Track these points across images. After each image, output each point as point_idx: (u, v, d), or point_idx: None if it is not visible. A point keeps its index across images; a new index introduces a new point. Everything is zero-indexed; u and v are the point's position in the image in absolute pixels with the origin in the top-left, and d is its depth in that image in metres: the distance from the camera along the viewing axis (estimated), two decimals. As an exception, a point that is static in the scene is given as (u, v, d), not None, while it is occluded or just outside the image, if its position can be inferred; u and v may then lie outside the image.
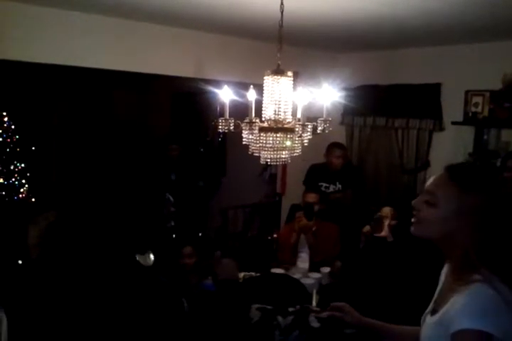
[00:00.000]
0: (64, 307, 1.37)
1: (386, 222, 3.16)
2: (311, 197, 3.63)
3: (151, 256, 1.52)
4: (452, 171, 1.32)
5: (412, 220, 1.36)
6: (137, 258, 1.46)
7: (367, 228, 3.23)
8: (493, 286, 1.17)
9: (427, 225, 1.32)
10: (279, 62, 2.24)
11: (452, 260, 1.31)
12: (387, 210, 3.26)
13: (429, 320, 1.33)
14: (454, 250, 1.28)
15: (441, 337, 1.22)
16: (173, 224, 4.67)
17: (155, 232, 4.32)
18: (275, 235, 4.72)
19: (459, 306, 1.19)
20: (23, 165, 4.41)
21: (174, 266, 3.02)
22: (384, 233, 3.15)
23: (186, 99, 6.19)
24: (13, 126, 4.46)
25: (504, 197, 1.30)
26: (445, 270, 1.40)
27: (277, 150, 2.15)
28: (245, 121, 2.13)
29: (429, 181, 1.35)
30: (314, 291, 2.89)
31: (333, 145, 4.29)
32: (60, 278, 1.40)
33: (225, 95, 2.21)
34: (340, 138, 4.78)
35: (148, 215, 4.56)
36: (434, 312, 1.32)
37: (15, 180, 4.29)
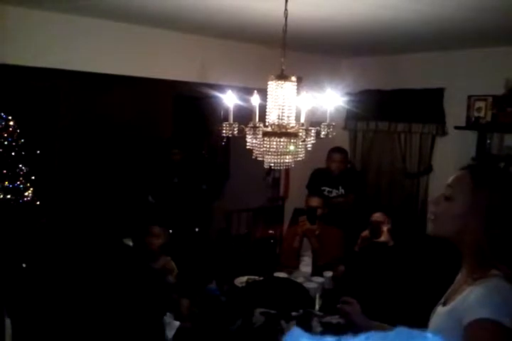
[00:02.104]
0: (62, 307, 1.38)
1: (385, 228, 3.15)
2: (314, 201, 3.63)
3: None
4: (472, 168, 1.36)
5: (430, 217, 1.38)
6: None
7: (365, 233, 3.22)
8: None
9: (443, 221, 1.34)
10: (283, 67, 2.25)
11: (468, 257, 1.32)
12: (378, 215, 3.26)
13: (440, 310, 1.34)
14: (469, 247, 1.29)
15: (453, 328, 1.21)
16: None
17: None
18: (271, 231, 4.73)
19: (475, 297, 1.19)
20: (28, 168, 4.44)
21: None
22: (384, 238, 3.14)
23: (190, 103, 6.21)
24: (18, 130, 4.50)
25: None
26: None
27: (281, 155, 2.16)
28: (249, 125, 2.14)
29: (452, 177, 1.38)
30: (317, 295, 2.89)
31: (332, 150, 4.31)
32: (54, 278, 1.42)
33: (229, 100, 2.23)
34: (344, 142, 4.79)
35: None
36: (445, 303, 1.32)
37: (20, 183, 4.32)
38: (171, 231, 4.61)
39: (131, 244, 1.56)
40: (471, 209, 1.28)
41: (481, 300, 1.17)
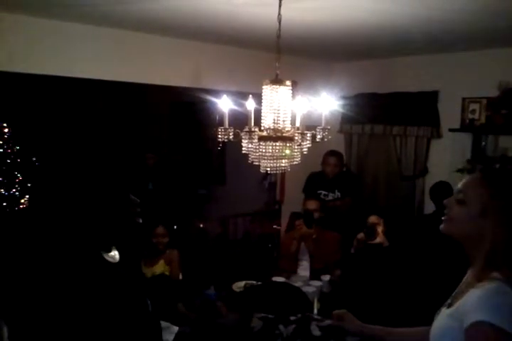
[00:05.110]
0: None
1: (379, 229, 3.23)
2: (311, 205, 3.63)
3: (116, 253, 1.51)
4: (485, 172, 1.37)
5: (443, 218, 1.39)
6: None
7: (361, 235, 3.28)
8: None
9: (456, 223, 1.35)
10: (278, 71, 2.26)
11: (477, 258, 1.31)
12: (373, 219, 3.32)
13: (444, 312, 1.34)
14: (479, 249, 1.29)
15: (454, 329, 1.22)
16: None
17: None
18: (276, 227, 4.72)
19: (475, 299, 1.19)
20: (23, 175, 4.43)
21: None
22: (379, 239, 3.21)
23: (186, 108, 6.21)
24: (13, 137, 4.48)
25: None
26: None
27: (277, 159, 2.16)
28: (245, 130, 2.15)
29: (462, 181, 1.39)
30: (315, 299, 2.89)
31: (327, 154, 4.32)
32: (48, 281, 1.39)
33: (225, 104, 2.24)
34: (339, 146, 4.80)
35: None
36: (450, 305, 1.33)
37: (15, 191, 4.31)
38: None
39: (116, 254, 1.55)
40: (485, 213, 1.28)
41: (479, 302, 1.18)
